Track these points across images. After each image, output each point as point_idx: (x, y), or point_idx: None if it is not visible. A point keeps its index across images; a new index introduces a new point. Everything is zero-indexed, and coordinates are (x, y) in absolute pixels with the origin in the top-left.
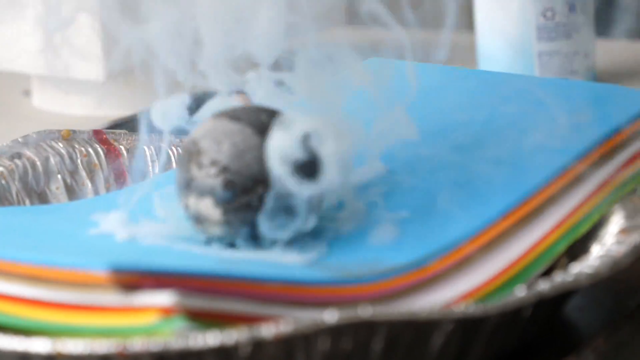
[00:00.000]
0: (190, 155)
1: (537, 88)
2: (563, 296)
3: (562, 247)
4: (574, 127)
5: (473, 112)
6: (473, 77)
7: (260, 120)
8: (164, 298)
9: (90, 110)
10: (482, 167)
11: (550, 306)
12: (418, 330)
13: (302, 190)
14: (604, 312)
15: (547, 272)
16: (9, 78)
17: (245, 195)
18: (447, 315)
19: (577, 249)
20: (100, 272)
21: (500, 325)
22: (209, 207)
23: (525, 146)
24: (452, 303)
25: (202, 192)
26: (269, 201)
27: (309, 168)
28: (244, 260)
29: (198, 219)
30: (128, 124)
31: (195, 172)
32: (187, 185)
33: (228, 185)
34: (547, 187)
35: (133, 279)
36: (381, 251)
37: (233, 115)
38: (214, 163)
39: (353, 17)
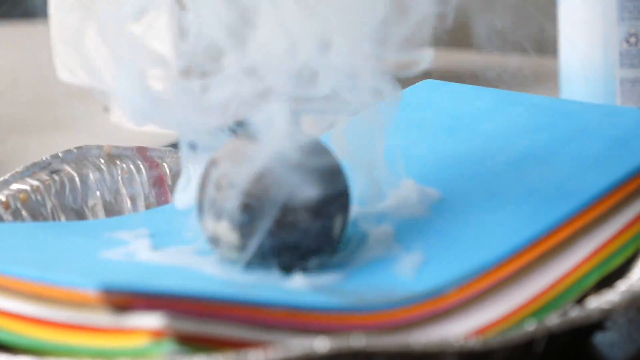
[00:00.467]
0: (210, 176)
1: (588, 114)
2: (583, 331)
3: (591, 281)
4: (614, 156)
5: (516, 138)
6: (525, 102)
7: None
8: (153, 320)
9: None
10: (514, 195)
11: (568, 342)
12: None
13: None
14: (636, 349)
15: None
16: (89, 94)
17: (262, 219)
18: (445, 348)
19: (605, 283)
20: (91, 292)
21: (510, 359)
22: (225, 231)
23: (562, 175)
24: (467, 336)
25: (220, 215)
26: (289, 227)
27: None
28: (253, 284)
29: (215, 242)
30: None
31: (212, 193)
32: (205, 207)
33: (245, 208)
34: (578, 217)
35: (124, 300)
36: (399, 279)
37: (253, 135)
38: (231, 185)
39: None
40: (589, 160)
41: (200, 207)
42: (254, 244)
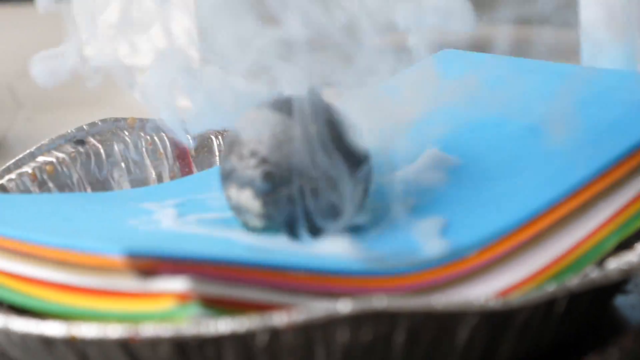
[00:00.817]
0: (232, 145)
1: (606, 80)
2: (604, 293)
3: (611, 244)
4: (633, 120)
5: (534, 104)
6: (543, 69)
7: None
8: (179, 284)
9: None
10: (533, 159)
11: (590, 304)
12: (440, 323)
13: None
14: None
15: None
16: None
17: (284, 187)
18: (466, 308)
19: (625, 246)
20: (117, 257)
21: (530, 321)
22: (249, 199)
23: (580, 139)
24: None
25: (242, 184)
26: (311, 194)
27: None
28: (277, 249)
29: (239, 211)
30: None
31: (235, 163)
32: (228, 177)
33: (267, 176)
34: (597, 181)
35: (150, 264)
36: (420, 243)
37: (275, 105)
38: (253, 154)
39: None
40: (608, 124)
41: (224, 177)
42: (276, 212)
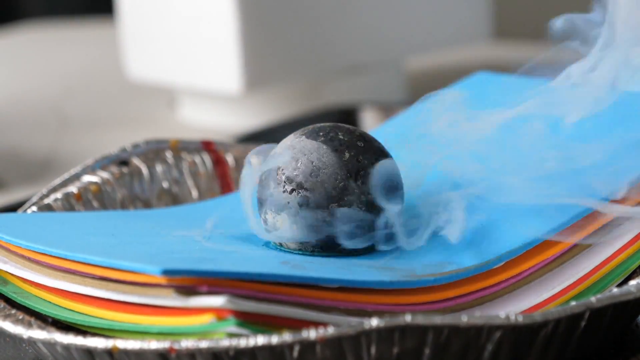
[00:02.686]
0: (269, 171)
1: (635, 102)
2: (625, 309)
3: (635, 264)
4: None
5: (564, 124)
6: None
7: (338, 138)
8: (217, 301)
9: (230, 121)
10: (562, 175)
11: (612, 319)
12: (465, 337)
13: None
14: None
15: None
16: (157, 91)
17: (319, 212)
18: (490, 323)
19: None
20: (158, 276)
21: (553, 336)
22: (284, 223)
23: (608, 156)
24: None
25: (278, 208)
26: (345, 219)
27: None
28: (309, 264)
29: (275, 234)
30: (262, 135)
31: (272, 188)
32: (265, 201)
33: (302, 202)
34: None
35: (188, 281)
36: (450, 255)
37: (311, 132)
38: (289, 180)
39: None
40: (636, 142)
41: (260, 201)
42: (311, 236)
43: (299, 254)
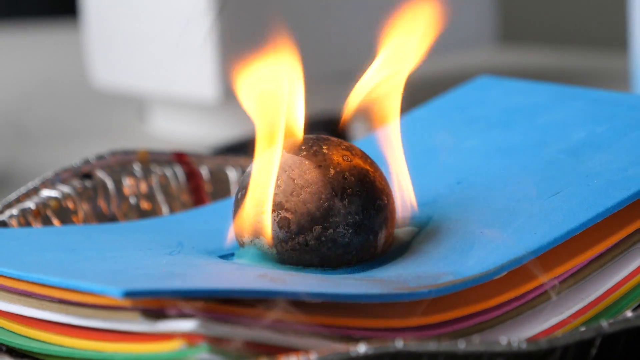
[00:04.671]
0: (246, 189)
1: None
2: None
3: None
4: None
5: (573, 129)
6: (584, 96)
7: (322, 152)
8: (188, 325)
9: (205, 132)
10: (570, 180)
11: (624, 347)
12: None
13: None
14: None
15: None
16: (125, 99)
17: (301, 235)
18: (490, 349)
19: None
20: (120, 298)
21: None
22: (263, 247)
23: (620, 162)
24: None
25: (256, 231)
26: (329, 241)
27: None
28: (290, 277)
29: (253, 255)
30: (239, 146)
31: (250, 208)
32: (242, 221)
33: (282, 223)
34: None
35: (155, 304)
36: (447, 265)
37: (292, 145)
38: (268, 200)
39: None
40: None
41: (237, 221)
42: (292, 259)
43: (278, 266)
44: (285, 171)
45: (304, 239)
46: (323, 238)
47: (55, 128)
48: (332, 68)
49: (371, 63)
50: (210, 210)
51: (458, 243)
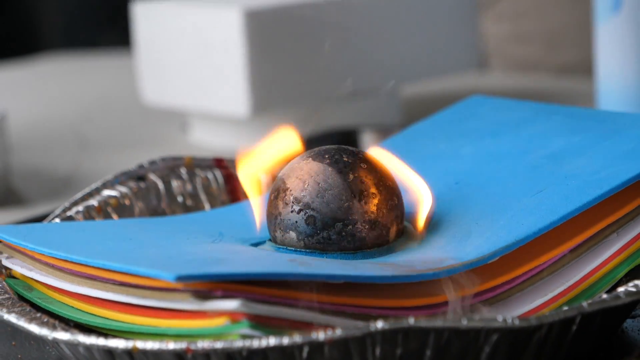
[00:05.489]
0: (278, 192)
1: (620, 120)
2: (613, 315)
3: (621, 273)
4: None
5: (554, 138)
6: (562, 112)
7: (342, 160)
8: (231, 305)
9: (237, 142)
10: (551, 181)
11: (601, 324)
12: (465, 339)
13: None
14: None
15: None
16: (170, 114)
17: (325, 231)
18: (489, 325)
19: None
20: (172, 282)
21: (546, 340)
22: (293, 241)
23: (595, 166)
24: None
25: (287, 227)
26: (350, 236)
27: None
28: (315, 261)
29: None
30: None
31: (281, 208)
32: (274, 220)
33: (309, 220)
34: (610, 199)
35: (204, 286)
36: (448, 251)
37: (317, 155)
38: (297, 200)
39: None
40: (621, 154)
41: (270, 220)
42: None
43: (305, 253)
44: (312, 176)
45: (327, 234)
46: (343, 233)
47: (112, 138)
48: (346, 88)
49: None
50: (245, 205)
51: (457, 233)
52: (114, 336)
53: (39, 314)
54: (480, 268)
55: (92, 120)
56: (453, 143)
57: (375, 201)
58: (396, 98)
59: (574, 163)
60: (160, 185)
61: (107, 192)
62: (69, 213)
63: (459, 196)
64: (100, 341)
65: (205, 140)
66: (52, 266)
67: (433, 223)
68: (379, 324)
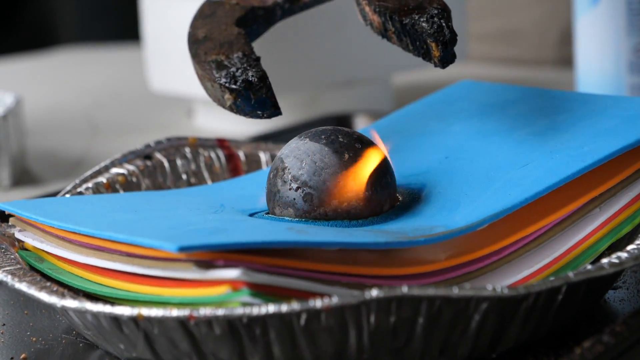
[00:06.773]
0: (277, 171)
1: (601, 101)
2: (597, 285)
3: (604, 246)
4: (625, 129)
5: (539, 117)
6: (547, 94)
7: (338, 141)
8: (232, 274)
9: (237, 127)
10: (537, 155)
11: (585, 294)
12: (456, 307)
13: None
14: None
15: None
16: (176, 101)
17: (322, 207)
18: (479, 294)
19: (616, 248)
20: (174, 252)
21: (533, 308)
22: (291, 217)
23: (579, 141)
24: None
25: (285, 204)
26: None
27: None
28: (311, 229)
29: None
30: (268, 136)
31: (280, 186)
32: (274, 197)
33: (306, 198)
34: (593, 172)
35: (206, 256)
36: (438, 220)
37: (314, 135)
38: (295, 179)
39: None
40: (603, 131)
41: (269, 197)
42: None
43: (302, 222)
44: (309, 156)
45: (323, 210)
46: (339, 210)
47: (121, 124)
48: (341, 76)
49: None
50: (245, 179)
51: (447, 203)
52: (120, 304)
53: (48, 283)
54: (470, 238)
55: (103, 107)
56: (443, 122)
57: (370, 179)
58: (388, 87)
59: (558, 139)
60: (166, 163)
61: (115, 170)
62: (79, 189)
63: (448, 169)
64: (107, 308)
65: (209, 125)
66: (62, 238)
67: (424, 194)
68: (374, 292)
